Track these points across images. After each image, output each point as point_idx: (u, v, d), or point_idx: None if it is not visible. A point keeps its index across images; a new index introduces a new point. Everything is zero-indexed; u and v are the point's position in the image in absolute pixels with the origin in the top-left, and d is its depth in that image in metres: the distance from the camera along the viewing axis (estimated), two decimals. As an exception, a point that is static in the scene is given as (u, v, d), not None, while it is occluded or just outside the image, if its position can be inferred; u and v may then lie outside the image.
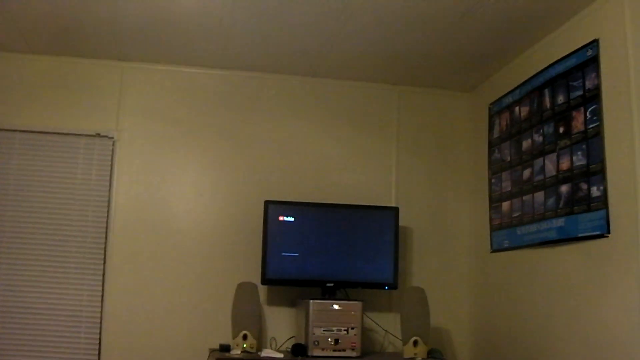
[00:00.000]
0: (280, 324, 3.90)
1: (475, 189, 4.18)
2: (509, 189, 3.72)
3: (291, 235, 3.77)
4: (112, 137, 3.92)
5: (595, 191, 2.91)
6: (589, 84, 3.01)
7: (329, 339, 3.44)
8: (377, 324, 3.93)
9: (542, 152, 3.39)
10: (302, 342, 3.49)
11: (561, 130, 3.22)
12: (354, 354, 3.45)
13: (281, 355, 3.42)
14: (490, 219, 3.92)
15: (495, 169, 3.90)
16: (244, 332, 3.46)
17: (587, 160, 2.99)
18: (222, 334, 3.69)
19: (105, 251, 3.80)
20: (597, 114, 2.93)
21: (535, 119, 3.49)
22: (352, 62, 3.93)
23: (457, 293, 4.16)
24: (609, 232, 2.81)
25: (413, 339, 3.49)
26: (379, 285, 3.83)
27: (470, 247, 4.20)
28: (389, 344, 3.98)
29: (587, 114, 3.01)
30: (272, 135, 4.12)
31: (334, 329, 3.46)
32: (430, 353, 3.56)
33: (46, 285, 3.71)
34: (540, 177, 3.39)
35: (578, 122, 3.08)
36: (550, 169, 3.30)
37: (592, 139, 2.96)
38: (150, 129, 3.99)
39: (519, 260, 3.60)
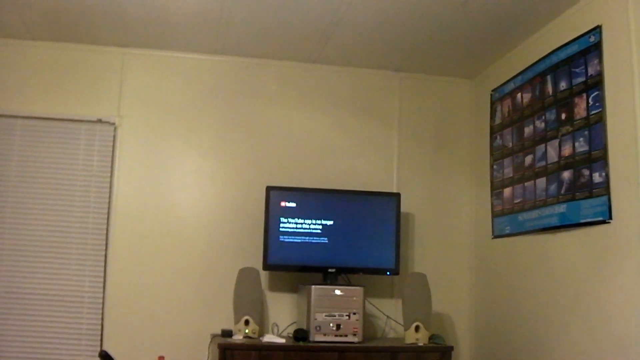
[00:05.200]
0: (282, 310, 3.91)
1: (477, 175, 4.19)
2: (510, 175, 3.72)
3: (293, 220, 3.78)
4: (114, 123, 3.92)
5: (597, 177, 2.91)
6: (591, 71, 3.01)
7: (331, 325, 3.45)
8: (378, 309, 3.94)
9: (544, 139, 3.39)
10: (304, 327, 3.50)
11: (563, 116, 3.22)
12: (355, 339, 3.46)
13: (283, 341, 3.44)
14: (492, 205, 3.92)
15: (497, 155, 3.90)
16: (246, 317, 3.47)
17: (589, 147, 2.99)
18: (224, 320, 3.70)
19: (107, 237, 3.81)
20: (600, 101, 2.93)
21: (537, 105, 3.48)
22: (353, 48, 3.92)
23: (458, 279, 4.17)
24: (610, 218, 2.82)
25: (414, 324, 3.51)
26: (381, 271, 3.84)
27: (472, 233, 4.21)
28: (391, 329, 4.00)
29: (590, 101, 3.00)
30: (274, 121, 4.11)
31: (336, 314, 3.47)
32: (432, 338, 3.58)
33: (48, 272, 3.71)
34: (542, 163, 3.39)
35: (580, 108, 3.08)
36: (552, 155, 3.30)
37: (594, 125, 2.96)
38: (151, 114, 3.99)
39: (520, 246, 3.61)
